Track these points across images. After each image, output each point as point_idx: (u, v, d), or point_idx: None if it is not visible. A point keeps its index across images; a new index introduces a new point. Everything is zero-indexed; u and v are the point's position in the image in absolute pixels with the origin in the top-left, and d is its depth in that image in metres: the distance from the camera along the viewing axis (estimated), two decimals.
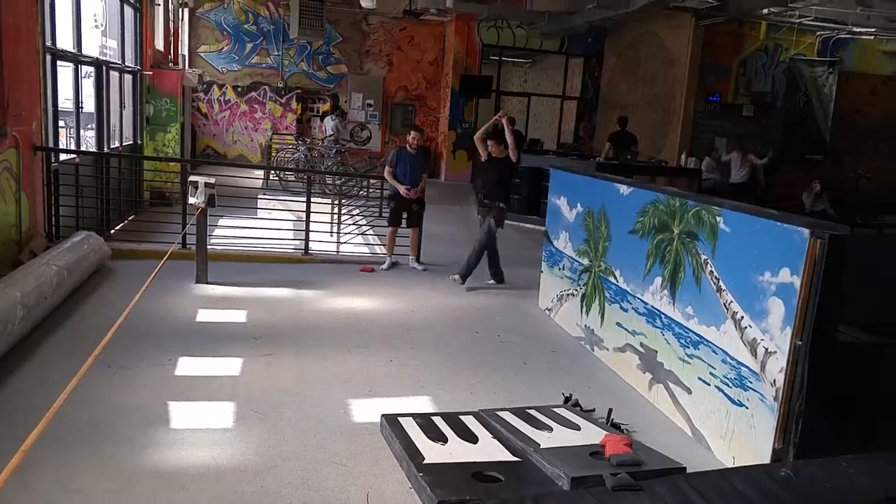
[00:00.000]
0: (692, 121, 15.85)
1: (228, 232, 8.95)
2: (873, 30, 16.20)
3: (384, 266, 8.68)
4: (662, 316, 5.04)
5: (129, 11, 10.98)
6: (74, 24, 8.50)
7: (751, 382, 4.08)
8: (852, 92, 17.06)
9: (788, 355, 3.77)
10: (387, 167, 8.62)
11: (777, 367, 3.85)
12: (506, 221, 8.40)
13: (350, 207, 10.86)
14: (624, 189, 5.88)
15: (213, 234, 8.80)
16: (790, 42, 17.03)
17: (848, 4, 14.77)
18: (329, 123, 15.87)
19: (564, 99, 19.47)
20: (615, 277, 5.84)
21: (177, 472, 3.74)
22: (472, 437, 4.20)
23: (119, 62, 10.48)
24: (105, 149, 9.68)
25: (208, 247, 7.66)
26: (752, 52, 17.28)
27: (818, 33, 16.96)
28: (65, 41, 8.21)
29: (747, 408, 4.10)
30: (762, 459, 3.89)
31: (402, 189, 8.44)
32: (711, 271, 4.49)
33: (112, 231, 9.09)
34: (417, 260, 8.83)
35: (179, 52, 15.87)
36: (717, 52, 16.54)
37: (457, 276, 8.15)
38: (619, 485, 3.23)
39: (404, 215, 8.67)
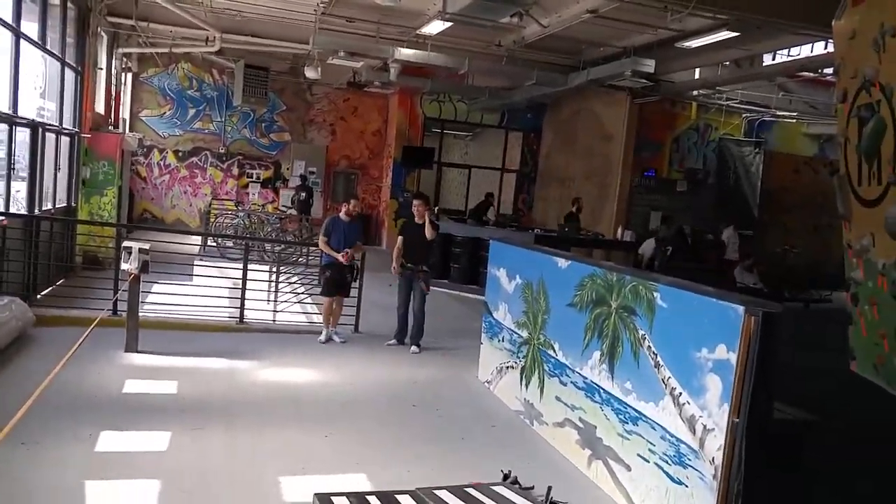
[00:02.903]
0: (628, 194, 16.39)
1: (162, 299, 8.63)
2: (795, 113, 17.33)
3: (321, 338, 8.41)
4: (601, 391, 5.04)
5: (69, 74, 10.85)
6: (12, 85, 8.32)
7: (690, 460, 4.07)
8: (777, 171, 18.11)
9: (727, 433, 3.77)
10: (321, 237, 8.49)
11: (715, 445, 3.85)
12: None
13: (289, 275, 10.68)
14: (562, 262, 5.94)
15: (147, 300, 8.48)
16: (719, 122, 18.05)
17: (771, 89, 15.84)
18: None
19: (504, 171, 19.93)
20: (554, 351, 5.84)
21: None
22: None
23: (56, 124, 10.26)
24: (36, 211, 9.33)
25: (140, 314, 7.37)
26: (685, 130, 18.21)
27: (744, 115, 18.03)
28: (1, 102, 8.01)
29: (687, 486, 4.08)
30: None
31: (339, 256, 8.29)
32: (649, 346, 4.53)
33: (39, 296, 8.67)
34: (337, 331, 8.54)
35: (120, 115, 15.69)
36: (652, 129, 17.34)
37: (416, 348, 8.34)
38: None
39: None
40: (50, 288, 9.35)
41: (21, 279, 8.41)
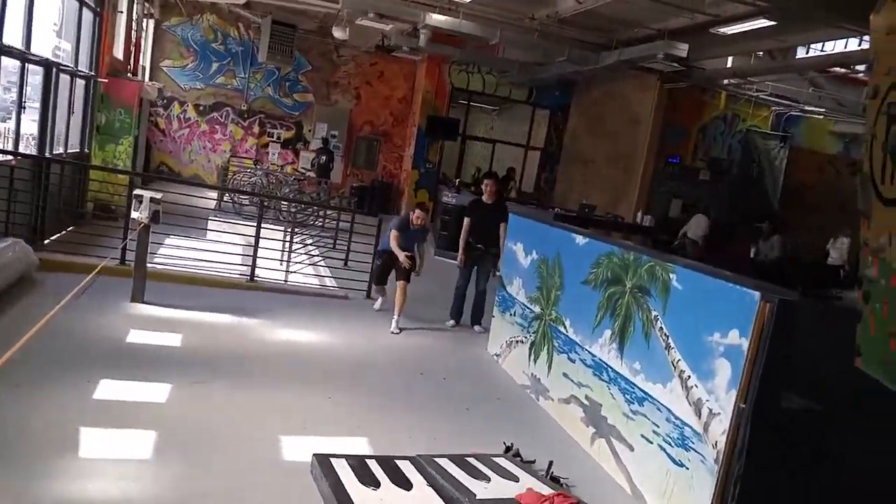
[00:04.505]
0: (650, 179, 16.15)
1: (174, 252, 8.62)
2: (823, 110, 16.97)
3: (376, 306, 8.49)
4: (609, 369, 4.96)
5: (87, 15, 10.56)
6: (25, 20, 8.14)
7: (693, 443, 4.00)
8: (801, 167, 17.75)
9: (731, 418, 3.71)
10: (395, 231, 8.07)
11: (720, 430, 3.79)
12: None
13: (304, 237, 10.63)
14: (580, 239, 5.85)
15: (158, 252, 8.48)
16: (747, 114, 17.72)
17: (801, 84, 15.54)
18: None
19: (528, 149, 19.69)
20: (565, 327, 5.75)
21: None
22: (405, 484, 4.01)
23: (71, 66, 10.09)
24: (47, 154, 9.26)
25: (149, 265, 7.34)
26: (712, 119, 17.88)
27: (773, 108, 17.68)
28: (13, 37, 7.84)
29: (688, 468, 4.02)
30: None
31: (401, 256, 7.90)
32: (661, 328, 4.44)
33: (46, 241, 8.63)
34: (397, 321, 7.93)
35: (140, 63, 15.53)
36: (680, 116, 17.05)
37: (480, 328, 8.18)
38: None
39: (391, 273, 8.24)
40: (58, 234, 9.29)
41: (28, 222, 8.30)
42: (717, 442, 3.80)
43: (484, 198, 8.42)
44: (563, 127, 19.12)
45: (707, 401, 3.92)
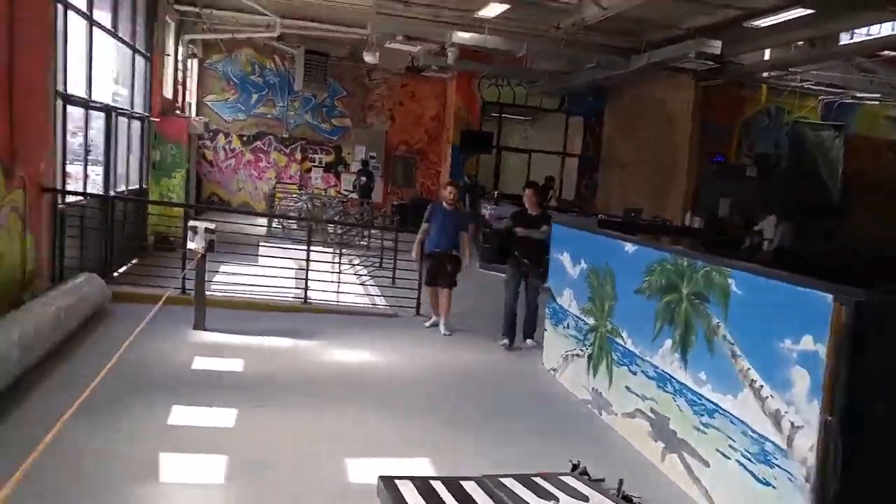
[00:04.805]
0: (695, 180, 15.86)
1: (229, 278, 8.85)
2: (878, 95, 16.28)
3: (427, 324, 8.50)
4: (673, 381, 4.83)
5: (140, 61, 11.30)
6: (86, 71, 8.68)
7: (776, 459, 3.78)
8: (857, 155, 17.02)
9: (819, 431, 3.48)
10: (423, 225, 8.26)
11: (807, 444, 3.56)
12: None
13: (351, 257, 10.76)
14: (629, 247, 5.73)
15: (214, 279, 8.72)
16: (792, 105, 17.21)
17: (849, 70, 14.91)
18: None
19: (565, 156, 19.60)
20: (622, 339, 5.65)
21: None
22: None
23: (128, 109, 10.67)
24: (111, 192, 9.72)
25: (208, 293, 7.56)
26: (755, 113, 17.45)
27: (820, 97, 17.14)
28: (77, 87, 8.37)
29: (775, 487, 3.79)
30: None
31: (414, 254, 8.42)
32: (724, 335, 4.30)
33: (115, 274, 9.03)
34: (445, 324, 8.27)
35: (187, 100, 16.10)
36: (719, 113, 16.67)
37: (531, 342, 7.95)
38: None
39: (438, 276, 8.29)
40: (125, 266, 9.73)
41: (99, 257, 8.78)
42: (805, 458, 3.57)
43: (528, 210, 8.06)
44: (599, 132, 18.99)
45: (786, 413, 3.72)
